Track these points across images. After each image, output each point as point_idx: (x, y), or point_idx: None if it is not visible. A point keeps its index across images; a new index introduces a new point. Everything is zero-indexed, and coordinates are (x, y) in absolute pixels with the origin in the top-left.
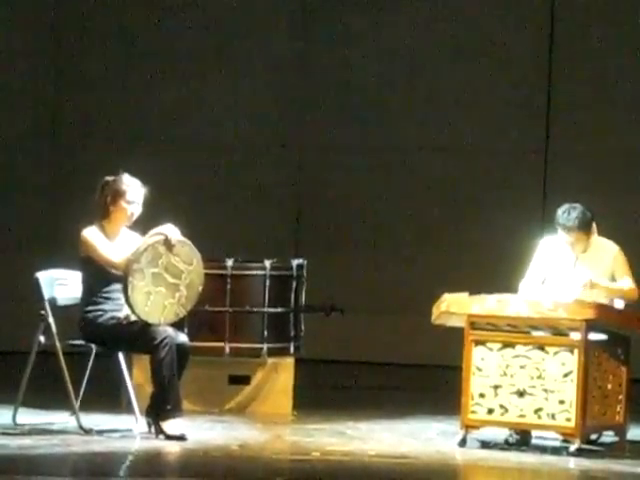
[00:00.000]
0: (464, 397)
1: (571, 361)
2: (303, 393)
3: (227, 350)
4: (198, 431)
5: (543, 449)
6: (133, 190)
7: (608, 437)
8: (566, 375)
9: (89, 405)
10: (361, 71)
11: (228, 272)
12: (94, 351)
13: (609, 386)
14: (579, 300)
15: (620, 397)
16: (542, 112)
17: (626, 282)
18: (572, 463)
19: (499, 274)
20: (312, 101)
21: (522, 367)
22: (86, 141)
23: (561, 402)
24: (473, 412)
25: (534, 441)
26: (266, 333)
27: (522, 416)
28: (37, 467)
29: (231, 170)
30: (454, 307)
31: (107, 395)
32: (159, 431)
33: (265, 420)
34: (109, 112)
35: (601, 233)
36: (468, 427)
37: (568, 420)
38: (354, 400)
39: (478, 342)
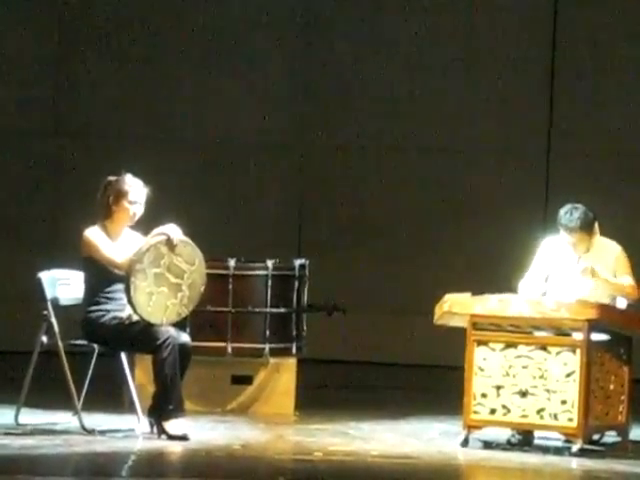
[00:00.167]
0: (466, 397)
1: (573, 361)
2: (305, 393)
3: (229, 350)
4: (200, 431)
5: (545, 449)
6: (135, 190)
7: (610, 437)
8: (568, 375)
9: (91, 405)
10: (363, 71)
11: (230, 272)
12: (96, 351)
13: (611, 386)
14: (581, 300)
15: (622, 397)
16: (544, 113)
17: (626, 280)
18: (574, 463)
19: (501, 274)
20: (314, 101)
21: (524, 367)
22: (88, 140)
23: (563, 402)
24: (475, 412)
25: (536, 441)
26: (268, 333)
27: (524, 416)
28: (39, 467)
29: (233, 170)
30: (456, 307)
31: (109, 395)
32: (161, 431)
33: (267, 420)
34: (111, 112)
35: (603, 233)
36: (470, 427)
37: (570, 420)
38: (356, 400)
39: (480, 342)
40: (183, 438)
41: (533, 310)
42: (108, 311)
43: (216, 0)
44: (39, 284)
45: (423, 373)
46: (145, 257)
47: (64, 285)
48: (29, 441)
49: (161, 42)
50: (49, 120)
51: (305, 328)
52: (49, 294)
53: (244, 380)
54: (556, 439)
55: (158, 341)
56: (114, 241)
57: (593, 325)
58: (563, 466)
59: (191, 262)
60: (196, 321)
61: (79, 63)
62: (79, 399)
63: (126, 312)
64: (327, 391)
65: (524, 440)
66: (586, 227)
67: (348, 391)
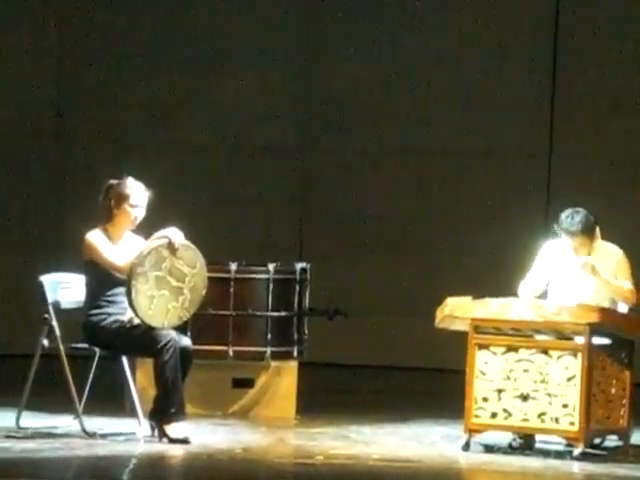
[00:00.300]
0: (467, 401)
1: (575, 365)
2: (306, 397)
3: (230, 353)
4: (202, 434)
5: (547, 453)
6: (137, 194)
7: (612, 441)
8: (570, 379)
9: (92, 408)
10: (364, 75)
11: (232, 276)
12: (97, 354)
13: (613, 390)
14: (583, 304)
15: (624, 401)
16: (546, 114)
17: (626, 284)
18: (576, 467)
19: (502, 278)
20: (315, 104)
21: (526, 371)
22: (90, 144)
23: (565, 406)
24: (476, 416)
25: (538, 445)
26: (270, 336)
27: (525, 420)
28: (40, 471)
29: (234, 173)
30: (458, 311)
31: (110, 398)
32: (162, 434)
33: (269, 424)
34: (112, 114)
35: (604, 237)
36: (471, 431)
37: (572, 424)
38: (358, 404)
39: (482, 346)
40: (184, 441)
41: (534, 314)
42: (109, 314)
43: (220, 4)
44: (40, 287)
45: (424, 377)
46: (146, 260)
47: (65, 288)
48: (30, 444)
49: (162, 45)
50: (51, 122)
51: (306, 331)
52: (50, 297)
53: (245, 383)
54: (557, 443)
55: (159, 344)
56: (115, 244)
57: (594, 329)
58: (564, 470)
59: (192, 265)
60: (197, 324)
61: (81, 65)
62: (80, 402)
63: (127, 315)
64: (328, 395)
65: (525, 444)
66: (587, 231)
67: (349, 395)
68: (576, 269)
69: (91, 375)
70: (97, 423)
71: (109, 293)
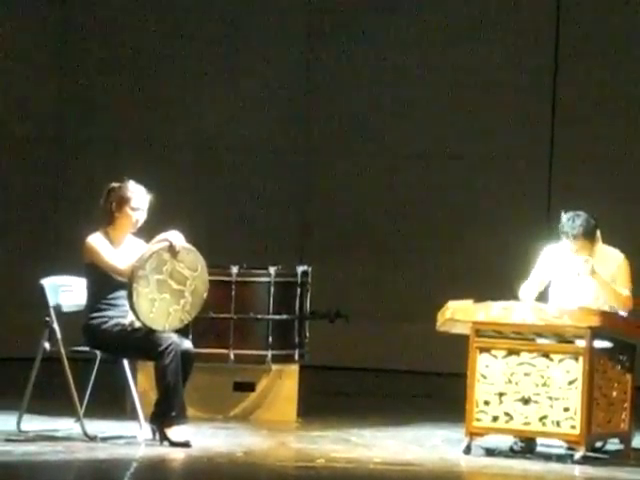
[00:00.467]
0: (469, 404)
1: (576, 369)
2: (307, 400)
3: (232, 357)
4: (202, 438)
5: (548, 457)
6: (138, 197)
7: (613, 445)
8: (571, 383)
9: (93, 412)
10: (366, 77)
11: (233, 279)
12: (99, 358)
13: (614, 394)
14: (584, 307)
15: (625, 405)
16: (547, 118)
17: (624, 291)
18: (577, 471)
19: (503, 281)
20: (317, 107)
21: (527, 374)
22: (90, 146)
23: (566, 409)
24: (478, 419)
25: (539, 449)
26: (271, 340)
27: (527, 423)
28: (41, 474)
29: (236, 176)
30: (459, 314)
31: (112, 402)
32: (163, 438)
33: (270, 427)
34: (113, 117)
35: (605, 240)
36: (473, 434)
37: (573, 428)
38: (358, 407)
39: (483, 349)
40: (185, 445)
41: (536, 317)
42: (110, 317)
43: (217, 5)
44: (42, 290)
45: (425, 380)
46: (147, 264)
47: (67, 291)
48: (31, 448)
49: (162, 47)
50: (50, 125)
51: (307, 335)
52: (52, 300)
53: (246, 387)
54: (558, 446)
55: (160, 348)
56: (116, 248)
57: (596, 332)
58: (566, 474)
59: (193, 269)
60: (198, 328)
61: (82, 68)
62: (81, 406)
63: (128, 319)
64: (329, 398)
65: (526, 447)
66: (588, 234)
67: (350, 398)
68: (577, 267)
69: (92, 378)
70: (98, 426)
71: (110, 296)
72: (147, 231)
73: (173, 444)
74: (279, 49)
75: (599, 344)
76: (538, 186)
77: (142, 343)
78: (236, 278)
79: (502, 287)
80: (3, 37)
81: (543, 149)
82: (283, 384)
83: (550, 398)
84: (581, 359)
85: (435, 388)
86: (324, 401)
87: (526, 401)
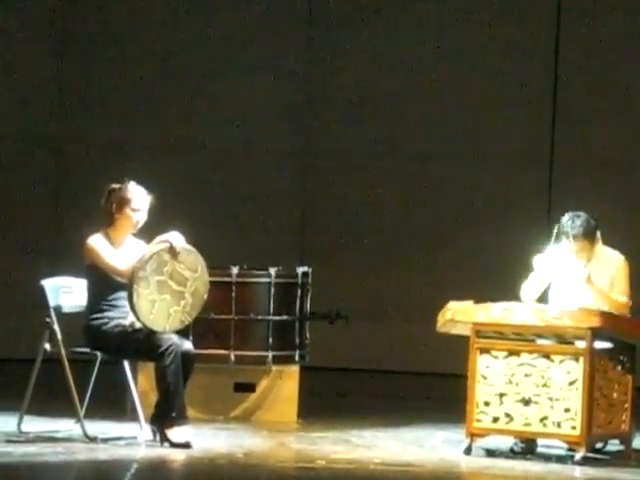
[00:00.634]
0: (469, 405)
1: (576, 369)
2: (308, 401)
3: (232, 358)
4: (203, 439)
5: (548, 457)
6: (138, 198)
7: (614, 446)
8: (571, 383)
9: (94, 413)
10: (366, 78)
11: (233, 280)
12: (99, 359)
13: (614, 394)
14: (584, 308)
15: (626, 405)
16: (548, 120)
17: (619, 297)
18: (578, 472)
19: (504, 282)
20: (317, 108)
21: (527, 375)
22: (91, 147)
23: (566, 410)
24: (478, 420)
25: (539, 449)
26: (271, 341)
27: (527, 424)
28: (42, 475)
29: (236, 177)
30: (459, 315)
31: (112, 403)
32: (164, 439)
33: (270, 428)
34: (114, 118)
35: (606, 241)
36: (473, 435)
37: (573, 428)
38: (359, 408)
39: (483, 350)
40: (186, 446)
41: (536, 318)
42: (111, 319)
43: (220, 8)
44: (42, 291)
45: (426, 381)
46: (148, 265)
47: (67, 293)
48: (31, 449)
49: (163, 50)
50: (52, 127)
51: (308, 336)
52: (52, 301)
53: (247, 388)
54: (559, 447)
55: (161, 349)
56: (117, 249)
57: (596, 333)
58: (566, 474)
59: (194, 269)
60: (199, 328)
61: (83, 70)
62: (82, 407)
63: (129, 320)
64: (329, 399)
65: (527, 448)
66: (588, 235)
67: (350, 399)
68: (574, 275)
69: (92, 379)
70: (98, 427)
71: (110, 297)
72: (147, 232)
73: (173, 445)
74: (279, 50)
75: (599, 345)
76: (539, 186)
77: (142, 344)
78: (236, 279)
79: (503, 288)
80: (3, 37)
81: (544, 149)
82: (283, 385)
83: (550, 399)
84: (581, 360)
85: (435, 389)
86: (324, 402)
87: (526, 402)
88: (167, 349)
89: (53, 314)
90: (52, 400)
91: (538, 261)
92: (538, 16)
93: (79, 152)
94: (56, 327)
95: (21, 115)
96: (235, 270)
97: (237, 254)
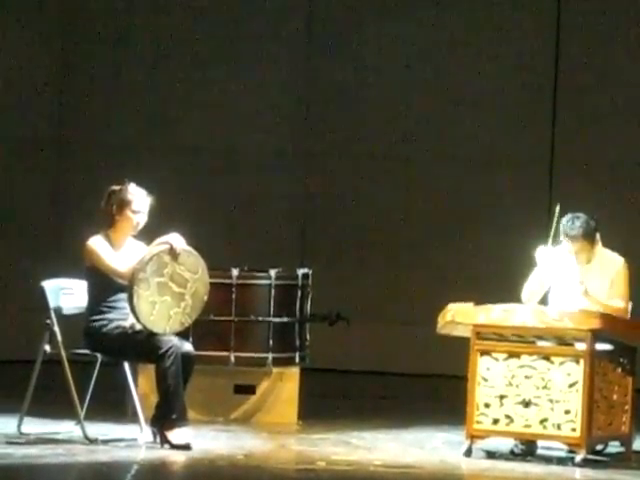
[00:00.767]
0: (469, 407)
1: (576, 371)
2: (308, 403)
3: (232, 359)
4: (203, 440)
5: (549, 459)
6: (139, 200)
7: (614, 447)
8: (572, 385)
9: (94, 414)
10: (368, 80)
11: (233, 281)
12: (99, 360)
13: (615, 396)
14: (585, 310)
15: (626, 407)
16: (548, 122)
17: (617, 302)
18: (578, 473)
19: (504, 283)
20: (318, 110)
21: (527, 377)
22: (91, 149)
23: (567, 412)
24: (478, 422)
25: (540, 451)
26: (271, 342)
27: (527, 426)
28: (42, 477)
29: (236, 179)
30: (459, 317)
31: (112, 404)
32: (164, 440)
33: (270, 429)
34: (114, 119)
35: (606, 242)
36: (473, 437)
37: (574, 430)
38: (359, 409)
39: (484, 352)
40: (186, 447)
41: (537, 320)
42: (111, 320)
43: (219, 10)
44: (42, 293)
45: (426, 383)
46: (148, 266)
47: (67, 294)
48: (32, 450)
49: (164, 52)
50: (52, 128)
51: (308, 337)
52: (52, 303)
53: (247, 389)
54: (559, 449)
55: (161, 350)
56: (117, 250)
57: (596, 335)
58: (566, 476)
59: (194, 271)
60: (199, 330)
61: (83, 71)
62: (82, 408)
63: (129, 321)
64: (330, 401)
65: (527, 450)
66: (587, 236)
67: (351, 400)
68: (575, 288)
69: (93, 381)
70: (99, 429)
71: (111, 299)
72: (147, 234)
73: (174, 447)
74: (279, 50)
75: (600, 346)
76: (539, 187)
77: (143, 346)
78: (237, 281)
79: (503, 289)
80: (3, 38)
81: (544, 149)
82: (284, 387)
83: (551, 401)
84: (582, 362)
85: (436, 391)
86: (324, 404)
87: (527, 404)
88: (167, 351)
89: (53, 315)
90: (52, 402)
91: (540, 253)
92: (539, 16)
93: (79, 153)
94: (56, 328)
95: (21, 116)
96: (235, 272)
97: (237, 256)
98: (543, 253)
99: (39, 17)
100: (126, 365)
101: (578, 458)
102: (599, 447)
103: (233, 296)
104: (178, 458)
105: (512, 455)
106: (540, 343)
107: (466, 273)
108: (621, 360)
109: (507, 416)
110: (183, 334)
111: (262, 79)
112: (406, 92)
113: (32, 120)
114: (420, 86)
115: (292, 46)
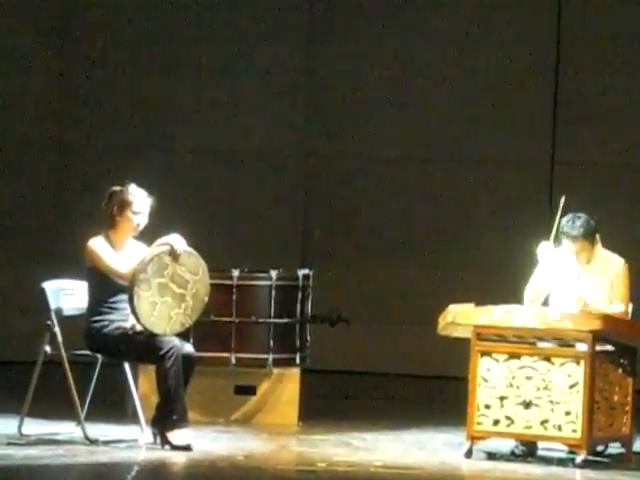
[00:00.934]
0: (470, 408)
1: (577, 372)
2: (309, 403)
3: (233, 360)
4: (204, 441)
5: (549, 460)
6: (139, 200)
7: (615, 448)
8: (572, 386)
9: (95, 415)
10: (370, 80)
11: (234, 282)
12: (100, 361)
13: (615, 397)
14: (585, 311)
15: (627, 408)
16: (549, 118)
17: (617, 307)
18: (578, 475)
19: (505, 285)
20: (321, 110)
21: (528, 378)
22: (91, 150)
23: (567, 413)
24: (479, 423)
25: (540, 452)
26: (272, 343)
27: (528, 427)
28: (42, 478)
29: (237, 180)
30: (460, 318)
31: (113, 405)
32: (165, 441)
33: (271, 430)
34: (113, 120)
35: (606, 242)
36: (474, 438)
37: (574, 431)
38: (360, 410)
39: (484, 353)
40: (186, 448)
41: (537, 321)
42: (112, 321)
43: (218, 12)
44: (43, 294)
45: (426, 384)
46: (149, 267)
47: (68, 295)
48: (32, 451)
49: (168, 48)
50: (51, 129)
51: (309, 338)
52: (53, 304)
53: (247, 390)
54: (560, 450)
55: (161, 351)
56: (118, 251)
57: (597, 336)
58: (567, 477)
59: (195, 272)
60: (200, 331)
61: (85, 69)
62: (82, 409)
63: (130, 322)
64: (330, 401)
65: (528, 451)
66: (588, 235)
67: (351, 401)
68: (574, 288)
69: (93, 382)
70: (99, 430)
71: (111, 300)
72: (148, 235)
73: (174, 448)
74: (279, 50)
75: (600, 347)
76: (539, 187)
77: (143, 347)
78: (237, 282)
79: (504, 290)
80: (3, 37)
81: (544, 149)
82: (284, 388)
83: (551, 402)
84: (582, 363)
85: (436, 392)
86: (325, 404)
87: (527, 405)
88: (168, 352)
89: (54, 316)
90: (53, 403)
91: (542, 249)
92: (539, 16)
93: (80, 154)
94: (57, 329)
95: (21, 117)
96: (236, 273)
97: (238, 256)
98: (545, 249)
99: (39, 17)
100: (126, 366)
101: (579, 459)
102: (600, 448)
103: (234, 297)
104: (178, 459)
105: (513, 456)
106: (541, 344)
107: (466, 274)
108: (622, 361)
109: (508, 417)
110: (184, 335)
111: (262, 79)
112: (406, 91)
113: (32, 120)
114: (420, 85)
115: (292, 47)
